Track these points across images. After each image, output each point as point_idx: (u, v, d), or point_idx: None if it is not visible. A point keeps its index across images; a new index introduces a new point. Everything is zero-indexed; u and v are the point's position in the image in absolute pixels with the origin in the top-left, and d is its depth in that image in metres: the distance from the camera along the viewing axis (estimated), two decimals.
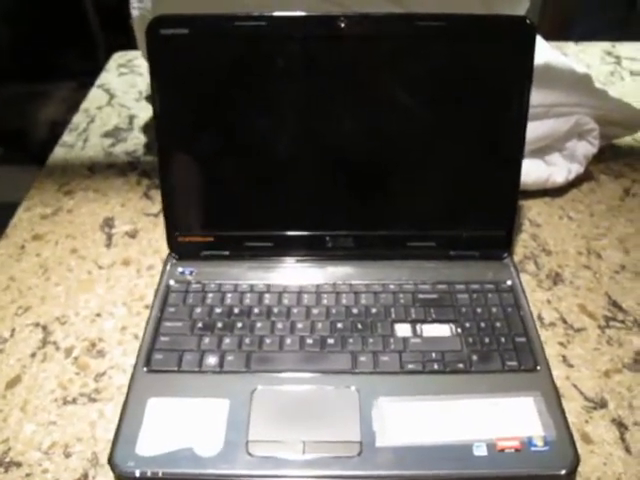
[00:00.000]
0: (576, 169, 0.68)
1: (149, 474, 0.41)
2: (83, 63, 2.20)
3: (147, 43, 0.51)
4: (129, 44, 0.98)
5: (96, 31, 2.39)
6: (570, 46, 1.03)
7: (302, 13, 0.50)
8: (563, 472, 0.42)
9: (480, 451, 0.42)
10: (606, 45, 1.03)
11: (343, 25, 0.50)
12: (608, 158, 0.74)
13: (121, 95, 0.90)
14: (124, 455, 0.42)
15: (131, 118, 0.84)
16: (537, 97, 0.63)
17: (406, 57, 0.52)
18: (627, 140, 0.76)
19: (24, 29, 2.49)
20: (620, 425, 0.47)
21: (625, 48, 1.02)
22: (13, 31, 2.50)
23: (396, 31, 0.51)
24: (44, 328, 0.54)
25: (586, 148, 0.68)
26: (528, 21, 0.51)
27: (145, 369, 0.48)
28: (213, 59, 0.52)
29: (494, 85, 0.53)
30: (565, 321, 0.55)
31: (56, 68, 2.47)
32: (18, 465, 0.44)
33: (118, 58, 1.01)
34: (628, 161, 0.75)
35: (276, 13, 0.50)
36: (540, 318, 0.55)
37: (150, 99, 0.87)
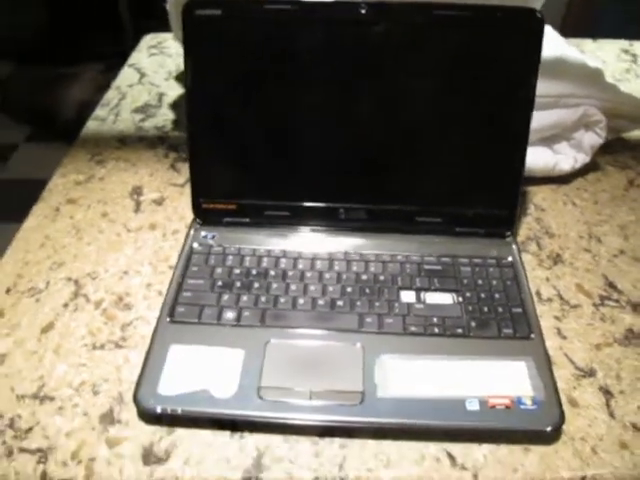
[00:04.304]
0: (582, 158, 0.71)
1: (169, 411, 0.46)
2: (110, 46, 2.26)
3: (182, 23, 0.55)
4: (156, 28, 1.03)
5: (124, 15, 2.44)
6: (587, 43, 1.05)
7: None
8: (549, 429, 0.45)
9: (472, 406, 0.46)
10: (624, 43, 1.05)
11: (364, 11, 0.54)
12: (615, 150, 0.77)
13: (151, 74, 0.94)
14: (147, 393, 0.46)
15: (160, 96, 0.89)
16: (548, 87, 0.65)
17: (420, 43, 0.56)
18: (635, 134, 0.78)
19: (54, 13, 2.55)
20: (607, 392, 0.50)
21: None
22: (44, 16, 2.56)
23: (413, 19, 0.55)
24: (76, 282, 0.59)
25: (593, 138, 0.71)
26: (538, 14, 0.54)
27: (168, 319, 0.52)
28: (243, 39, 0.56)
29: (503, 72, 0.56)
30: (562, 297, 0.58)
31: (84, 51, 2.52)
32: (51, 399, 0.49)
33: (149, 40, 1.05)
34: (635, 154, 0.77)
35: None
36: (538, 294, 0.58)
37: (179, 79, 0.92)
